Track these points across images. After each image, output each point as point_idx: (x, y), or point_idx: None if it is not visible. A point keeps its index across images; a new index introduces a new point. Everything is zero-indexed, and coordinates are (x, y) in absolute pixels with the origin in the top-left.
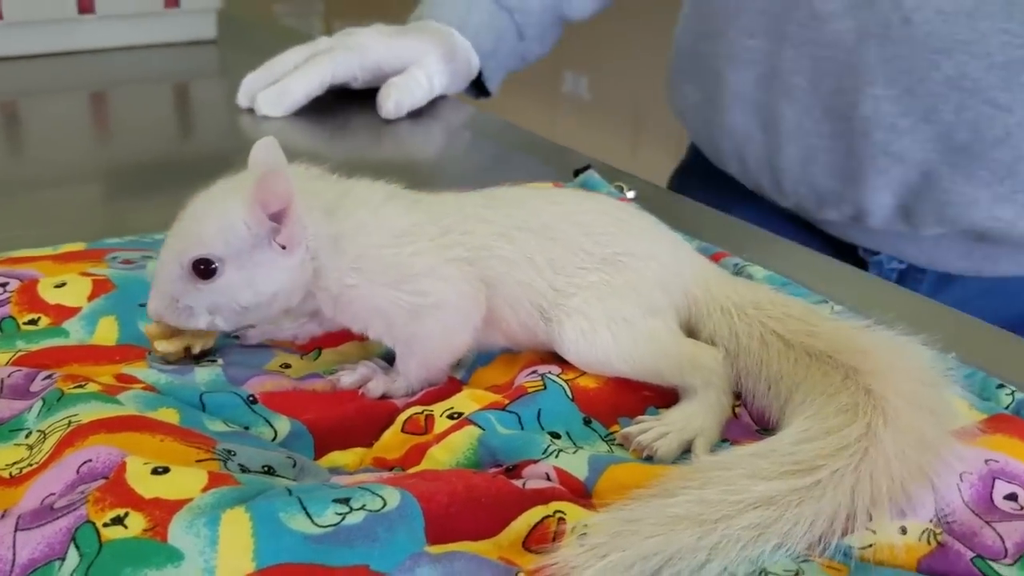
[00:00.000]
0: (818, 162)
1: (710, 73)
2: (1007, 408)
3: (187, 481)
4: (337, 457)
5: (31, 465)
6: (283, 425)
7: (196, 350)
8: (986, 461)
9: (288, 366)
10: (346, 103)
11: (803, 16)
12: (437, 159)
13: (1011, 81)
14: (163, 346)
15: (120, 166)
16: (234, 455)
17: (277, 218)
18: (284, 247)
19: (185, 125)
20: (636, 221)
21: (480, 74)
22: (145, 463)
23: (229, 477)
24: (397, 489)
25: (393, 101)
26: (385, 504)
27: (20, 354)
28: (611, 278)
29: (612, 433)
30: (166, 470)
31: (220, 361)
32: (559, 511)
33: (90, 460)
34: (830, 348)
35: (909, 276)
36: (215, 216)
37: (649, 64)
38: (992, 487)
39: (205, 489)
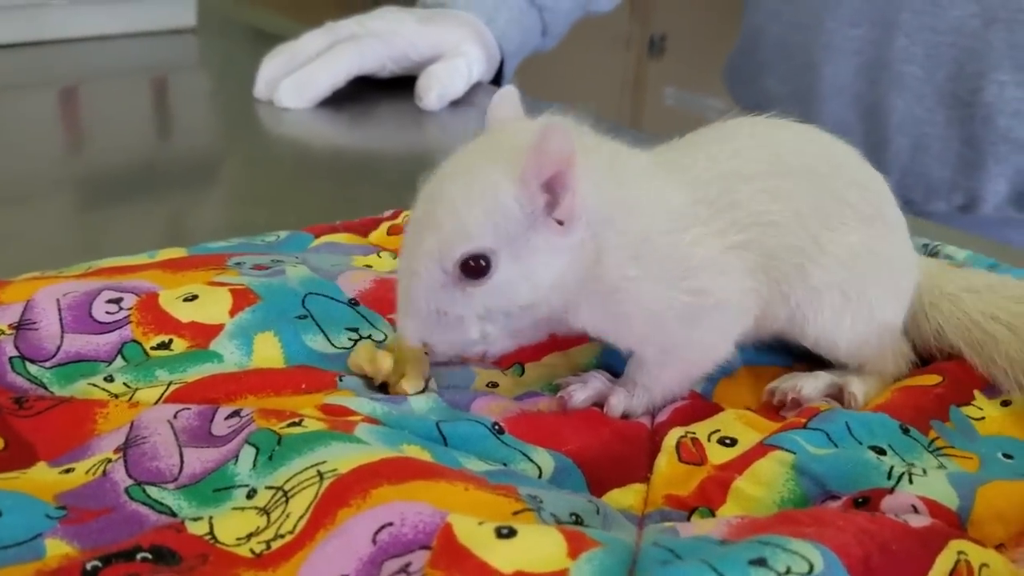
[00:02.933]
0: (930, 152)
1: (802, 65)
2: None
3: (545, 546)
4: (618, 496)
5: (282, 536)
6: (545, 459)
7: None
8: None
9: (495, 384)
10: (371, 90)
11: (920, 3)
12: None
13: None
14: (412, 384)
15: (95, 169)
16: (542, 502)
17: (550, 187)
18: (561, 223)
19: (165, 121)
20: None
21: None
22: (480, 523)
23: (584, 537)
24: (810, 544)
25: (436, 93)
26: (812, 568)
27: (175, 388)
28: (872, 244)
29: (934, 441)
30: (512, 532)
31: (434, 384)
32: (961, 552)
33: (390, 524)
34: None
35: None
36: (478, 197)
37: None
38: None
39: (572, 555)
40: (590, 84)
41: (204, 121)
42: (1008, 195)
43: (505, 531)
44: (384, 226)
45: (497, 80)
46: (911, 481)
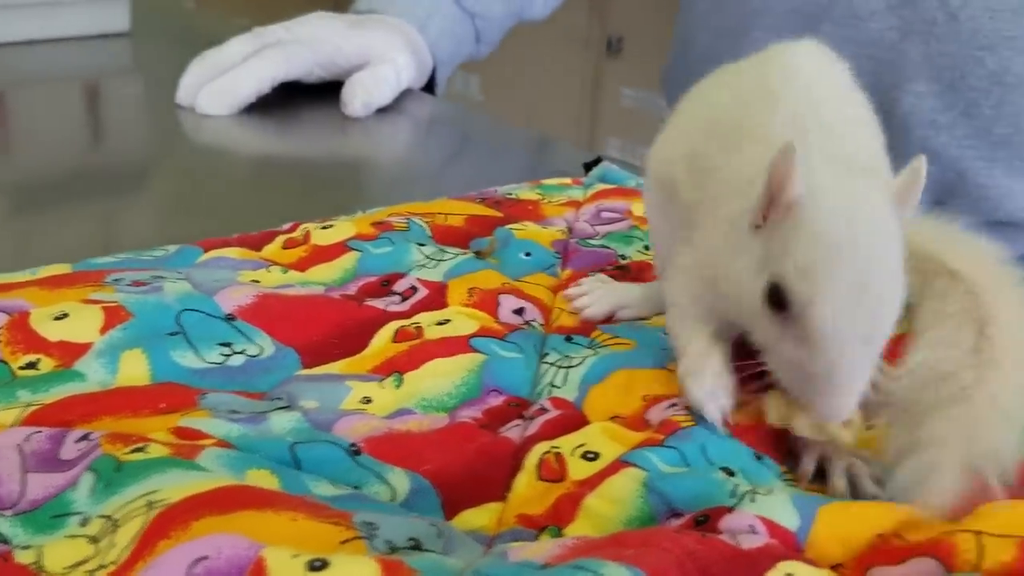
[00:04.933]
0: None
1: None
2: None
3: None
4: (472, 517)
5: (104, 567)
6: (401, 481)
7: None
8: None
9: (369, 400)
10: (300, 96)
11: (840, 15)
12: (408, 156)
13: None
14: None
15: (25, 178)
16: (377, 529)
17: None
18: None
19: (98, 128)
20: None
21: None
22: (294, 555)
23: (402, 566)
24: (624, 567)
25: (361, 101)
26: None
27: (33, 410)
28: None
29: (785, 472)
30: (324, 564)
31: (302, 403)
32: (790, 574)
33: (206, 557)
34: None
35: None
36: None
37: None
38: None
39: None
40: (550, 84)
41: (134, 127)
42: (928, 203)
43: (318, 563)
44: (280, 240)
45: (430, 87)
46: (753, 500)
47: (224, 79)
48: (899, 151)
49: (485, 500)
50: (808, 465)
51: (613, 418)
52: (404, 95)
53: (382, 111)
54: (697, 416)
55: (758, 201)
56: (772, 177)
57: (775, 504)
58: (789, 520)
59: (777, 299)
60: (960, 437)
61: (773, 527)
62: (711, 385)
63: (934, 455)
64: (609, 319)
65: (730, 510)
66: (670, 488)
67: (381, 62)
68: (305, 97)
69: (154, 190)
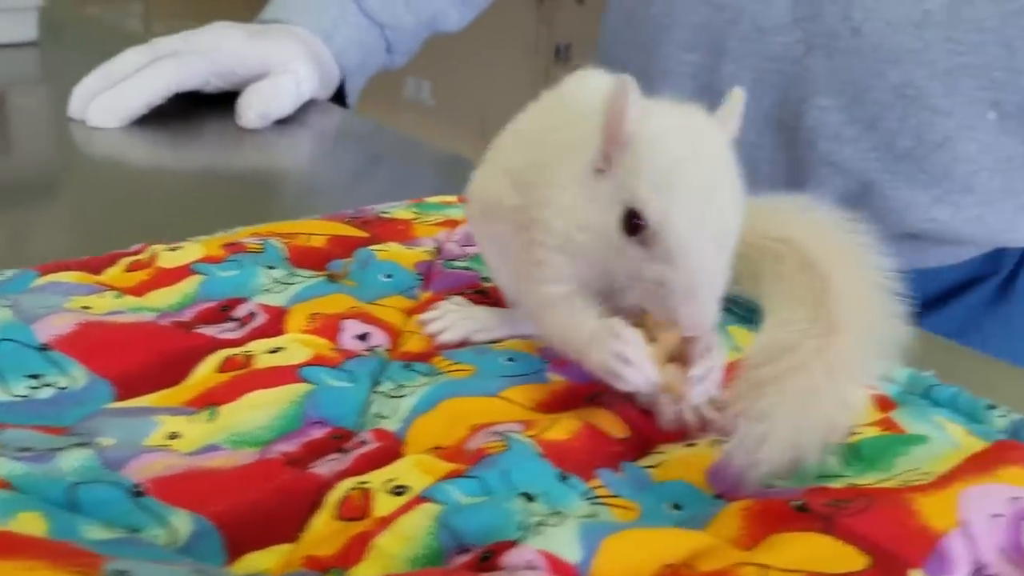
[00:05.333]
0: (761, 174)
1: (643, 87)
2: (1003, 432)
3: None
4: (255, 560)
5: None
6: (183, 522)
7: None
8: (1012, 499)
9: (176, 436)
10: (198, 107)
11: (746, 30)
12: (309, 168)
13: (952, 87)
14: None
15: None
16: None
17: None
18: None
19: (4, 138)
20: None
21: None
22: None
23: None
24: None
25: (255, 112)
26: None
27: None
28: None
29: (593, 489)
30: None
31: (99, 439)
32: None
33: None
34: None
35: None
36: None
37: (493, 70)
38: (1020, 531)
39: None
40: (500, 89)
41: (32, 139)
42: None
43: None
44: (124, 262)
45: (340, 98)
46: (539, 533)
47: (114, 91)
48: (805, 164)
49: (275, 541)
50: (668, 413)
51: (435, 449)
52: (309, 107)
53: (283, 123)
54: (509, 440)
55: (599, 145)
56: (609, 113)
57: (558, 536)
58: (571, 553)
59: (633, 224)
60: (793, 408)
61: (554, 562)
62: (635, 357)
63: (766, 426)
64: (463, 344)
65: (514, 544)
66: (462, 522)
67: (281, 72)
68: (209, 109)
69: (38, 203)
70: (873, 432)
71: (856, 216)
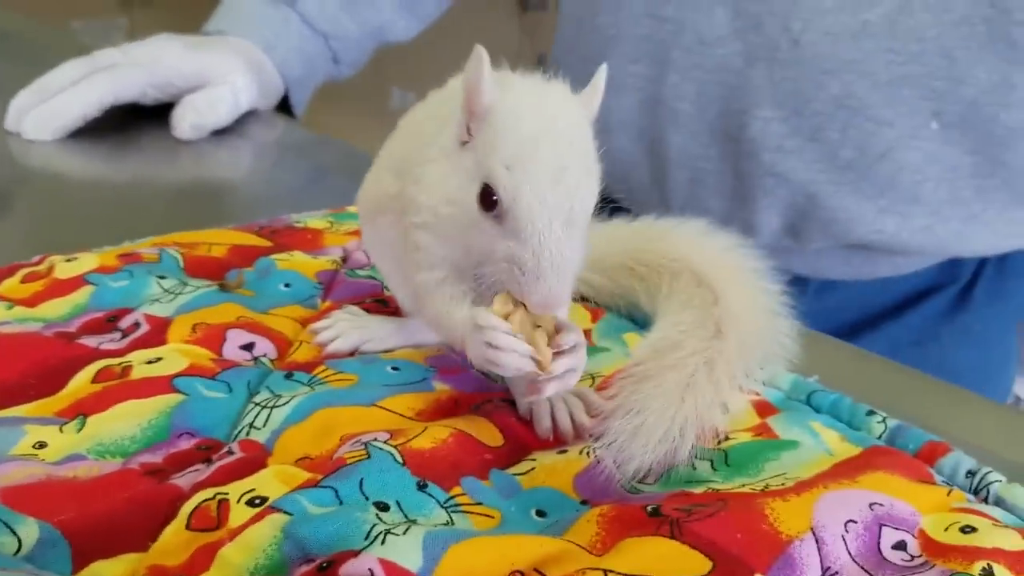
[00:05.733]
0: (706, 185)
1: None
2: (880, 438)
3: None
4: (102, 569)
5: None
6: (30, 531)
7: None
8: (871, 505)
9: (43, 445)
10: (135, 119)
11: (688, 42)
12: (246, 180)
13: (893, 97)
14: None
15: None
16: None
17: None
18: None
19: None
20: None
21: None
22: None
23: None
24: None
25: (189, 123)
26: None
27: None
28: None
29: (453, 497)
30: None
31: None
32: None
33: None
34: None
35: (793, 286)
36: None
37: None
38: (879, 536)
39: None
40: None
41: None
42: (781, 226)
43: None
44: (21, 273)
45: (286, 108)
46: (383, 542)
47: (50, 103)
48: (750, 175)
49: (126, 551)
50: (545, 421)
51: (301, 459)
52: (250, 118)
53: (222, 134)
54: (370, 450)
55: (460, 118)
56: (467, 85)
57: (401, 545)
58: (412, 561)
59: (489, 199)
60: (668, 402)
61: (394, 570)
62: (503, 342)
63: (639, 419)
64: (354, 353)
65: (356, 554)
66: (309, 532)
67: (218, 83)
68: (146, 119)
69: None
70: (746, 437)
71: (804, 227)
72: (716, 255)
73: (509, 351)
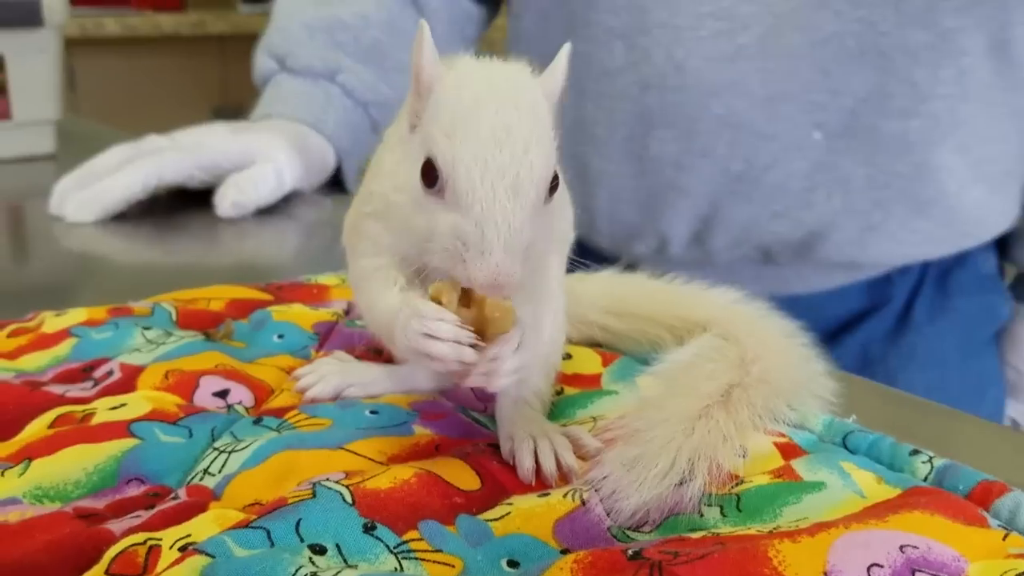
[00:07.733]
0: (623, 201)
1: None
2: (925, 479)
3: None
4: None
5: None
6: None
7: None
8: (902, 548)
9: None
10: (183, 202)
11: (595, 73)
12: (292, 261)
13: (773, 113)
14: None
15: None
16: None
17: None
18: None
19: (20, 248)
20: None
21: (338, 171)
22: None
23: None
24: None
25: (231, 201)
26: None
27: None
28: None
29: (407, 542)
30: None
31: None
32: None
33: None
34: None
35: None
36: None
37: None
38: None
39: None
40: None
41: (58, 246)
42: (689, 237)
43: None
44: (9, 328)
45: (338, 185)
46: None
47: (93, 187)
48: (658, 190)
49: None
50: (526, 462)
51: (251, 505)
52: (296, 199)
53: (268, 213)
54: (316, 490)
55: (409, 101)
56: (413, 61)
57: None
58: None
59: (431, 174)
60: (673, 431)
61: None
62: (443, 331)
63: (638, 448)
64: (336, 398)
65: None
66: (228, 574)
67: (263, 162)
68: (193, 202)
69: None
70: (763, 480)
71: (711, 235)
72: (741, 312)
73: (446, 340)
